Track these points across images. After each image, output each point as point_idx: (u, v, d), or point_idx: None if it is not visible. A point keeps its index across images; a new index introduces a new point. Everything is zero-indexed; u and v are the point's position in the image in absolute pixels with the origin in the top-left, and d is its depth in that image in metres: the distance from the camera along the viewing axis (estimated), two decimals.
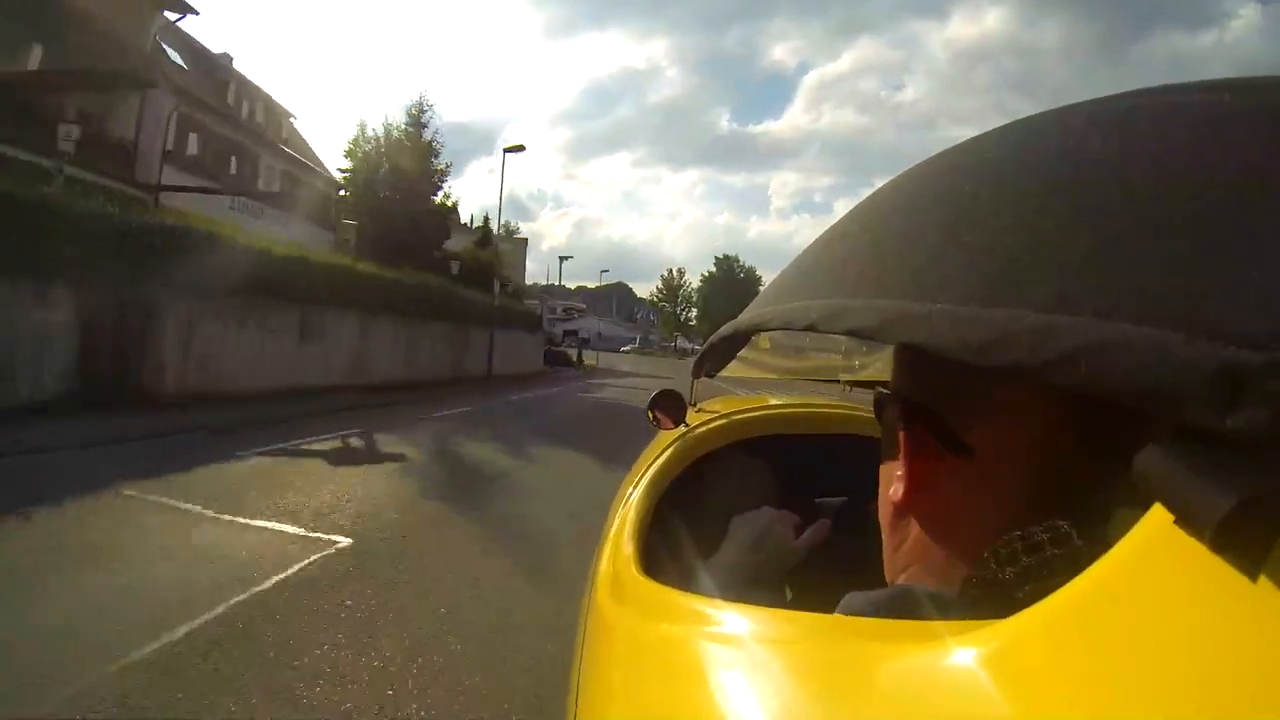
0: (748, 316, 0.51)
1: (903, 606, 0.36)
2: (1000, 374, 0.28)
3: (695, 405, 1.38)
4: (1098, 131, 0.33)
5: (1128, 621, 0.23)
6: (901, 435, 0.40)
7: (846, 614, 0.39)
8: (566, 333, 47.74)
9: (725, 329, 0.59)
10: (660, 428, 1.35)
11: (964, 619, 0.29)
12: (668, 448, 1.22)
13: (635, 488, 1.12)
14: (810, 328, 0.39)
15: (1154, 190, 0.28)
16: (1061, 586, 0.26)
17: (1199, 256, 0.24)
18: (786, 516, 0.77)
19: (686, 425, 1.29)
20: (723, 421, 1.26)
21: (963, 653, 0.27)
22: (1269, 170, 0.25)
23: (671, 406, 1.33)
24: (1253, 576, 0.19)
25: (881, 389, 0.46)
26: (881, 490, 0.45)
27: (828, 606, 0.41)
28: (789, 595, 0.74)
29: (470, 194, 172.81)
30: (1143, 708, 0.21)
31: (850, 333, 0.36)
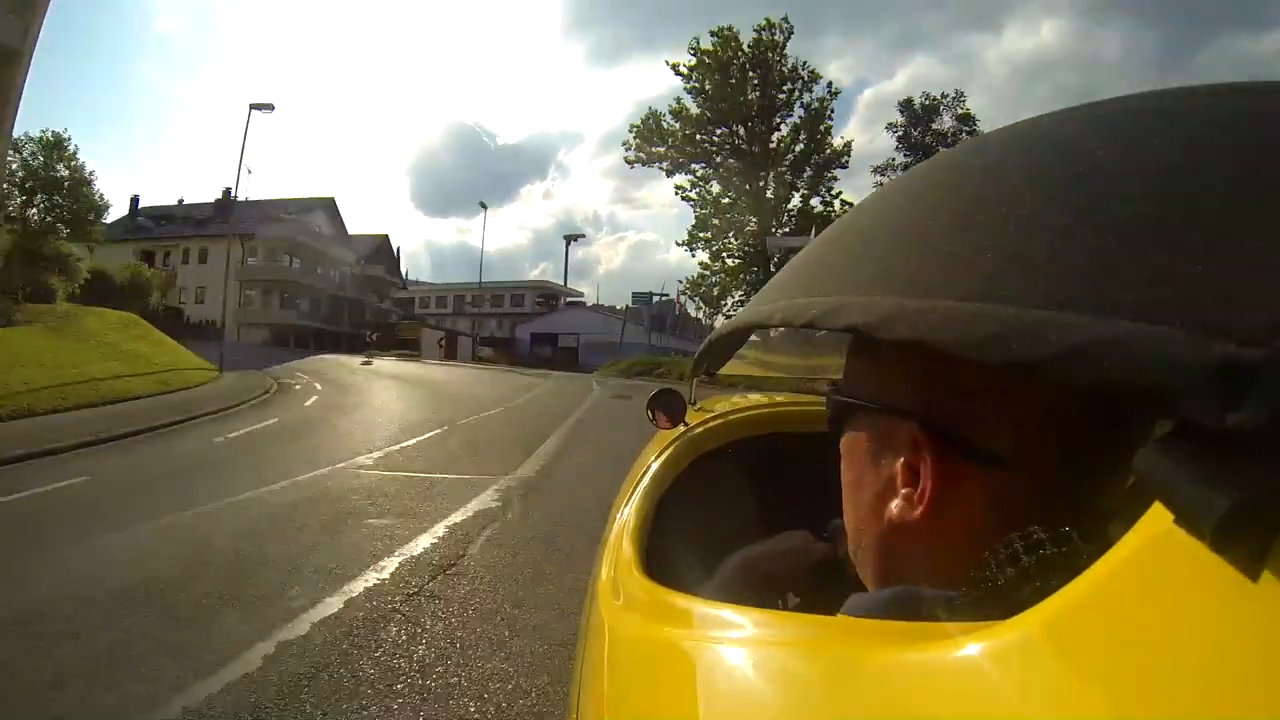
0: (747, 314, 0.51)
1: (906, 607, 0.36)
2: (1004, 374, 0.28)
3: (695, 404, 1.37)
4: (1098, 132, 0.33)
5: (1129, 621, 0.23)
6: (925, 450, 0.37)
7: (853, 614, 0.39)
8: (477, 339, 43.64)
9: (724, 326, 0.59)
10: (660, 427, 1.34)
11: (966, 619, 0.29)
12: (667, 448, 1.21)
13: (635, 488, 1.11)
14: (810, 325, 0.38)
15: (1153, 189, 0.28)
16: (1063, 587, 0.26)
17: (1198, 255, 0.24)
18: (819, 548, 0.74)
19: (686, 425, 1.28)
20: (722, 421, 1.25)
21: (965, 653, 0.27)
22: (1267, 170, 0.25)
23: (671, 406, 1.32)
24: (1253, 576, 0.19)
25: (842, 395, 0.45)
26: (860, 498, 0.44)
27: (830, 613, 0.41)
28: (794, 600, 0.72)
29: (526, 213, 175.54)
30: (1144, 707, 0.21)
31: (850, 329, 0.36)
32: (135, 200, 46.20)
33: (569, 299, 52.59)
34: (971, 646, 0.27)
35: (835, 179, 27.98)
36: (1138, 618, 0.23)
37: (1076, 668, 0.24)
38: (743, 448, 1.20)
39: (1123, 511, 0.27)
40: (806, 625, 0.43)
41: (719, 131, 28.04)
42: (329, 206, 46.30)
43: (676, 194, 27.31)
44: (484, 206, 38.33)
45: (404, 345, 39.81)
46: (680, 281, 29.29)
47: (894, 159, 26.88)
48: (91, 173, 20.72)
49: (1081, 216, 0.29)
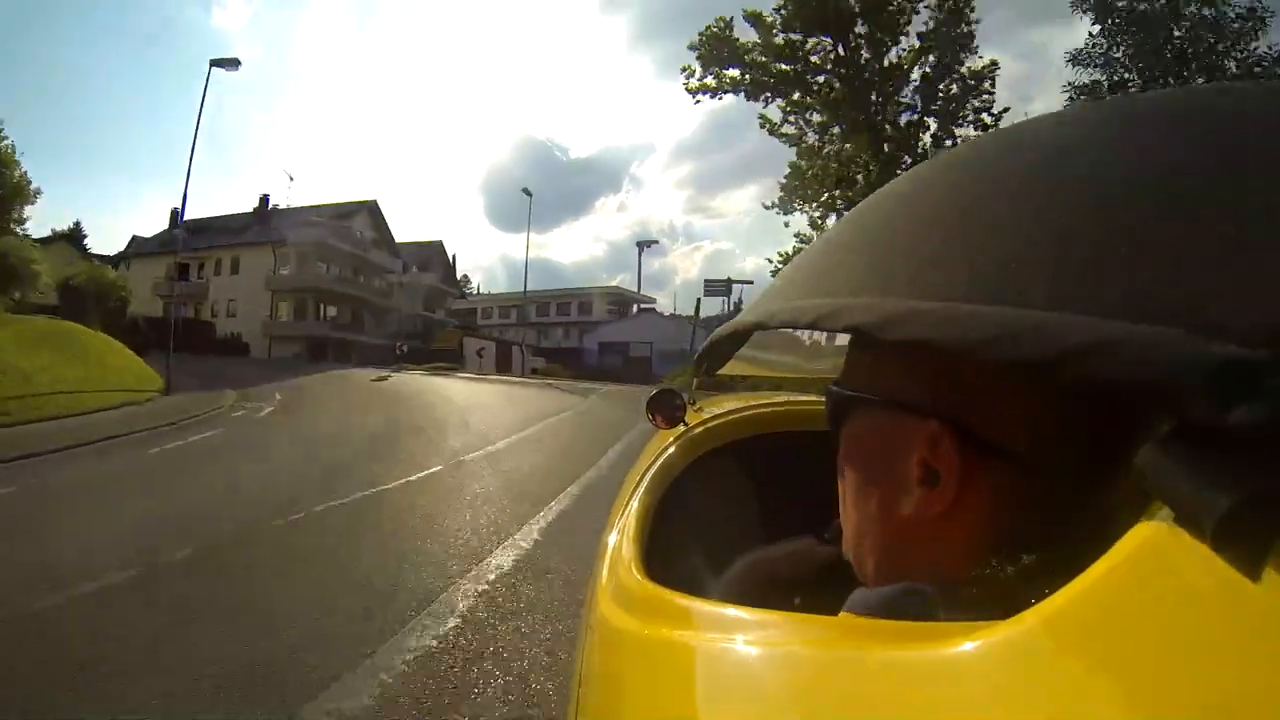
0: (749, 315, 0.50)
1: (909, 606, 0.36)
2: (1012, 372, 0.29)
3: (694, 405, 1.40)
4: (1098, 132, 0.33)
5: (1129, 621, 0.23)
6: (948, 448, 0.37)
7: (855, 614, 0.39)
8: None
9: (726, 327, 0.59)
10: (659, 427, 1.36)
11: (968, 618, 0.29)
12: (667, 448, 1.21)
13: (635, 488, 1.11)
14: (812, 326, 0.39)
15: (1155, 189, 0.28)
16: (1064, 585, 0.26)
17: (1199, 255, 0.24)
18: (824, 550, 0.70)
19: (686, 425, 1.30)
20: (722, 420, 1.27)
21: (968, 652, 0.27)
22: (1269, 170, 0.25)
23: (671, 406, 1.34)
24: (1253, 576, 0.19)
25: (845, 390, 0.45)
26: (866, 495, 0.44)
27: (835, 615, 0.41)
28: (798, 604, 0.64)
29: (601, 226, 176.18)
30: (1144, 706, 0.21)
31: (852, 330, 0.36)
32: (175, 213, 44.95)
33: (642, 305, 48.76)
34: (974, 645, 0.27)
35: (988, 110, 17.55)
36: (1138, 617, 0.23)
37: (1078, 667, 0.24)
38: (742, 448, 1.21)
39: (1123, 511, 0.28)
40: (808, 624, 0.42)
41: (810, 43, 17.68)
42: (371, 210, 43.55)
43: (763, 127, 18.24)
44: (528, 194, 33.59)
45: (440, 356, 36.13)
46: (771, 259, 22.02)
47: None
48: (22, 153, 17.78)
49: (1082, 217, 0.29)
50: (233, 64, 17.11)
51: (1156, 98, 0.33)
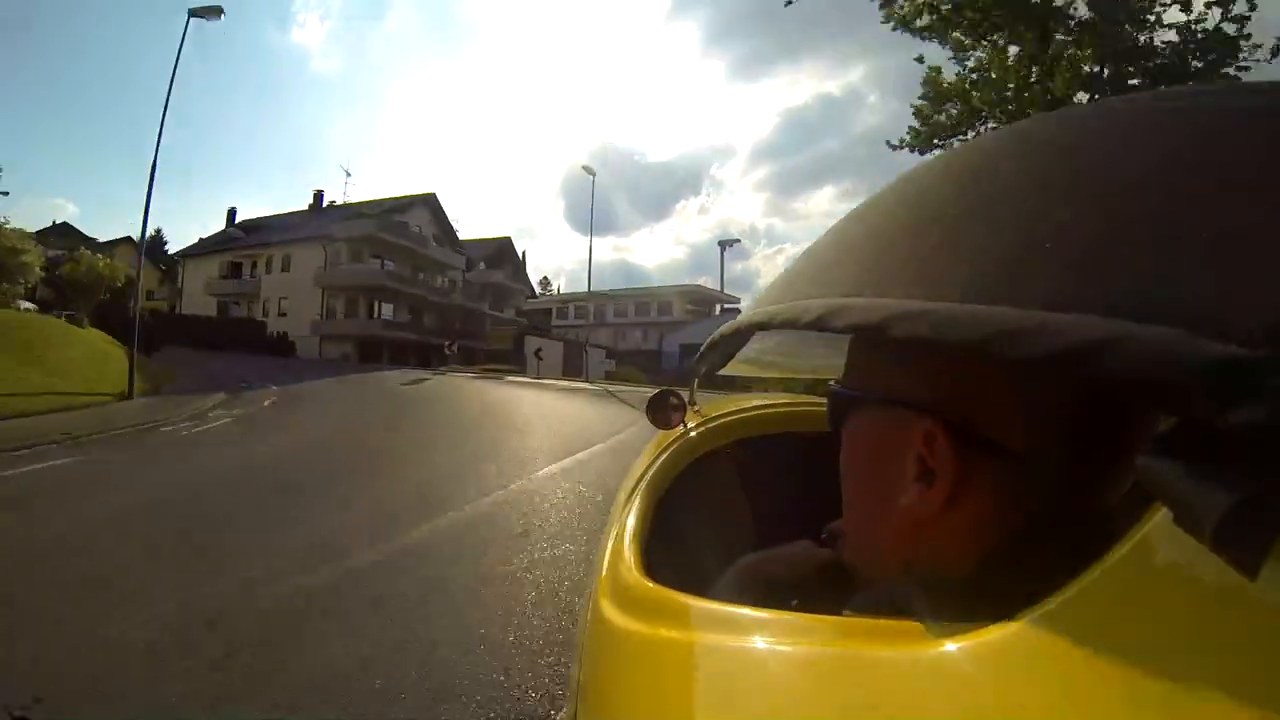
0: (749, 315, 0.51)
1: (910, 605, 0.36)
2: (1013, 370, 0.30)
3: (695, 405, 1.40)
4: (1098, 132, 0.33)
5: (1129, 620, 0.23)
6: (943, 445, 0.37)
7: (855, 613, 0.40)
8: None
9: (726, 327, 0.59)
10: (659, 428, 1.36)
11: (970, 617, 0.29)
12: (667, 448, 1.22)
13: (635, 489, 1.10)
14: (813, 326, 0.38)
15: (1156, 189, 0.27)
16: (1064, 585, 0.26)
17: (1199, 255, 0.24)
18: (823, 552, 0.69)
19: (685, 425, 1.30)
20: (722, 421, 1.27)
21: (968, 652, 0.27)
22: (1269, 170, 0.25)
23: (671, 407, 1.34)
24: (1253, 576, 0.19)
25: (848, 390, 0.45)
26: (866, 493, 0.44)
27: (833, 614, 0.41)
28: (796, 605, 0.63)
29: (682, 229, 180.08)
30: (1145, 706, 0.21)
31: (853, 329, 0.36)
32: (232, 213, 44.72)
33: (725, 305, 44.47)
34: (974, 645, 0.27)
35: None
36: (1138, 617, 0.23)
37: (1078, 666, 0.24)
38: (742, 448, 1.21)
39: (1123, 511, 0.28)
40: (808, 624, 0.41)
41: None
42: (430, 203, 41.22)
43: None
44: (590, 172, 30.01)
45: (497, 357, 33.16)
46: None
47: None
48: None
49: (1083, 216, 0.28)
50: (215, 12, 14.39)
51: (1156, 97, 0.33)
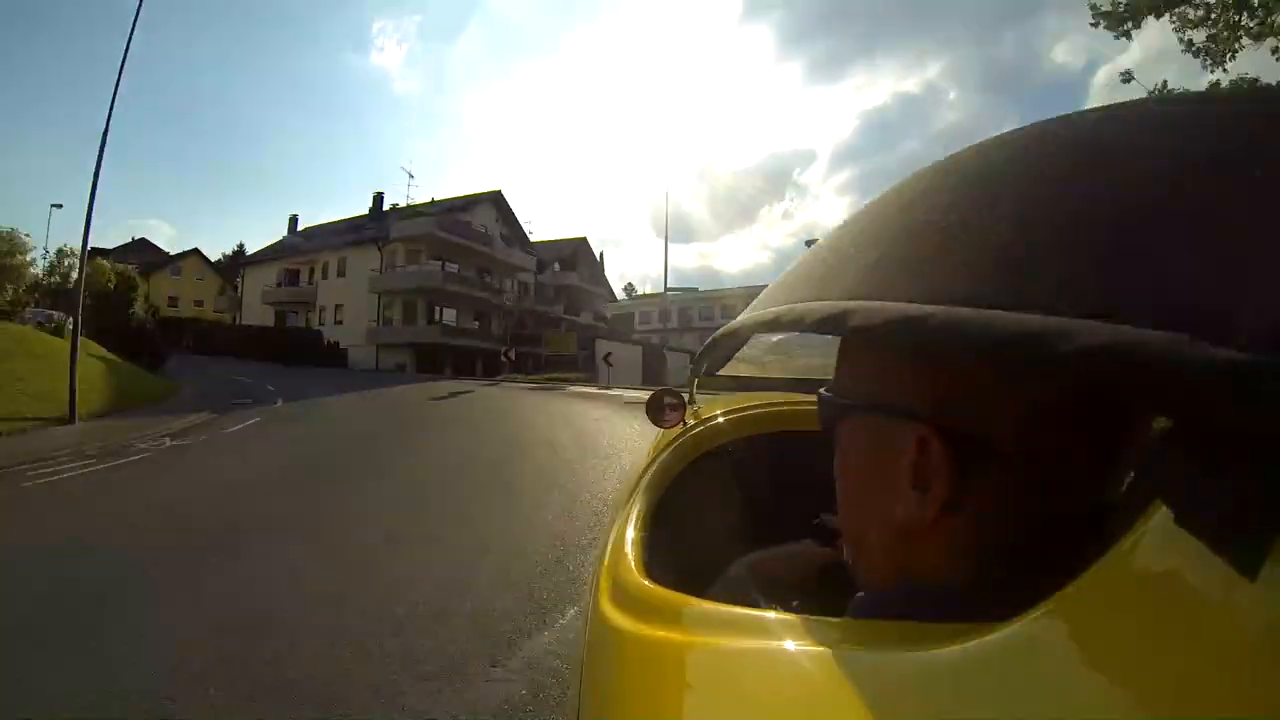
0: (749, 316, 0.51)
1: (910, 607, 0.36)
2: (1008, 375, 0.30)
3: (695, 405, 1.41)
4: (1100, 136, 0.33)
5: (1129, 620, 0.23)
6: (936, 451, 0.37)
7: (855, 615, 0.40)
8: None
9: (726, 328, 0.59)
10: (660, 427, 1.38)
11: (970, 619, 0.30)
12: (668, 448, 1.21)
13: (636, 488, 1.10)
14: (812, 328, 0.39)
15: (1159, 194, 0.27)
16: (1064, 586, 0.26)
17: (1200, 257, 0.24)
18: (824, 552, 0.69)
19: (686, 425, 1.30)
20: (722, 420, 1.26)
21: (968, 652, 0.27)
22: (1270, 172, 0.25)
23: (671, 406, 1.35)
24: (1253, 576, 0.19)
25: (838, 397, 0.45)
26: (862, 498, 0.44)
27: (832, 616, 0.41)
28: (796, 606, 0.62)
29: (767, 234, 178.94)
30: (1144, 706, 0.21)
31: (852, 333, 0.37)
32: (293, 220, 43.65)
33: None
34: (974, 645, 0.27)
35: None
36: (1138, 618, 0.23)
37: (1078, 667, 0.24)
38: (742, 448, 1.20)
39: (1123, 511, 0.28)
40: (808, 626, 0.41)
41: None
42: (496, 200, 38.58)
43: None
44: (670, 178, 26.10)
45: (561, 364, 29.50)
46: None
47: None
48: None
49: (1084, 220, 0.28)
50: None
51: (1156, 101, 0.33)
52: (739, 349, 0.78)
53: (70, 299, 19.05)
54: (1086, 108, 0.35)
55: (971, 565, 0.36)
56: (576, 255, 45.82)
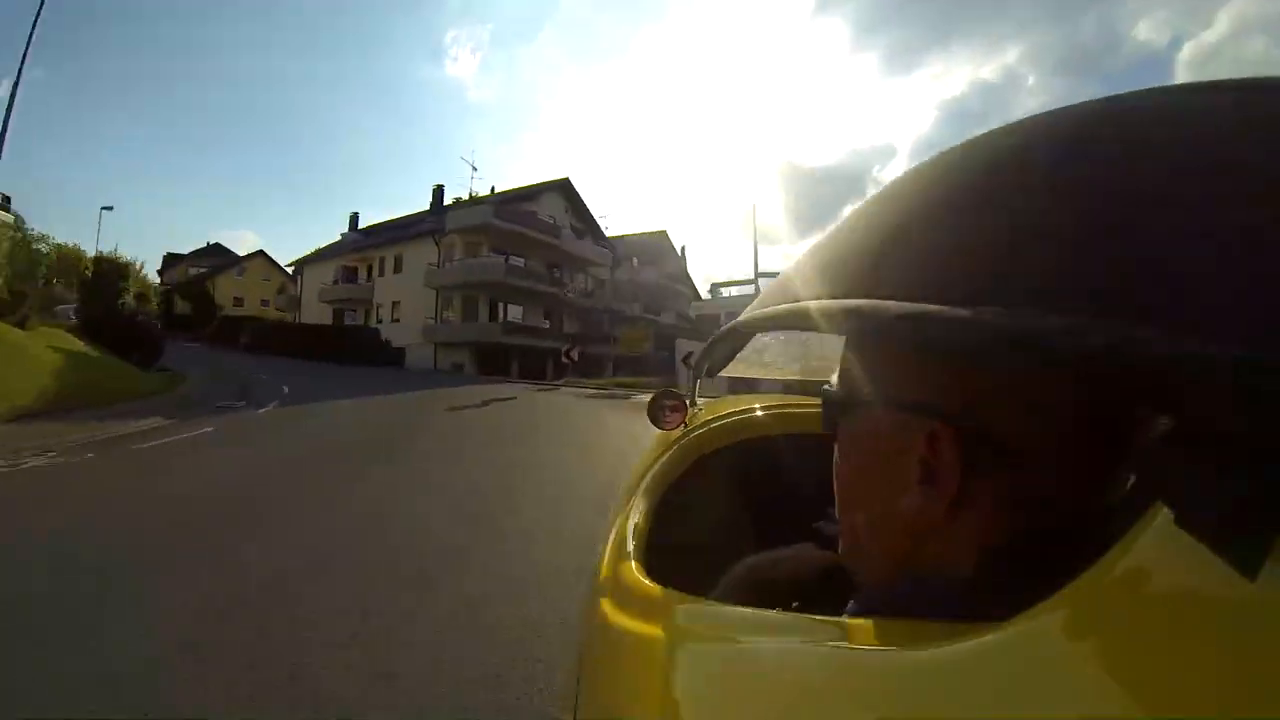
0: (748, 316, 0.51)
1: (911, 606, 0.37)
2: (1014, 372, 0.31)
3: (696, 405, 1.42)
4: (1102, 131, 0.33)
5: (1129, 621, 0.24)
6: (947, 447, 0.37)
7: (855, 614, 0.40)
8: None
9: (727, 327, 0.59)
10: (660, 428, 1.36)
11: (971, 618, 0.30)
12: (668, 448, 1.21)
13: (636, 489, 1.10)
14: (813, 327, 0.39)
15: (1158, 192, 0.27)
16: (1064, 586, 0.26)
17: (1201, 256, 0.24)
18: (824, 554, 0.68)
19: (686, 425, 1.31)
20: (723, 421, 1.26)
21: (968, 652, 0.27)
22: (1272, 170, 0.25)
23: (672, 407, 1.35)
24: (1253, 576, 0.19)
25: (844, 393, 0.45)
26: (866, 496, 0.44)
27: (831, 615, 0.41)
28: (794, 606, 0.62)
29: None
30: (1144, 706, 0.21)
31: (853, 331, 0.37)
32: (355, 218, 42.35)
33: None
34: (974, 645, 0.27)
35: None
36: (1138, 617, 0.23)
37: (1078, 666, 0.24)
38: (742, 449, 1.20)
39: (1123, 511, 0.28)
40: (808, 624, 0.42)
41: None
42: (564, 189, 35.50)
43: None
44: (753, 179, 22.50)
45: (632, 365, 26.01)
46: None
47: None
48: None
49: (1085, 219, 0.28)
50: None
51: (1155, 96, 0.33)
52: (740, 349, 0.78)
53: (43, 289, 17.27)
54: (1089, 99, 0.35)
55: (973, 561, 0.36)
56: (656, 249, 42.31)
